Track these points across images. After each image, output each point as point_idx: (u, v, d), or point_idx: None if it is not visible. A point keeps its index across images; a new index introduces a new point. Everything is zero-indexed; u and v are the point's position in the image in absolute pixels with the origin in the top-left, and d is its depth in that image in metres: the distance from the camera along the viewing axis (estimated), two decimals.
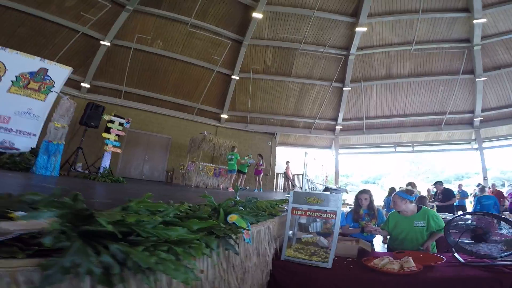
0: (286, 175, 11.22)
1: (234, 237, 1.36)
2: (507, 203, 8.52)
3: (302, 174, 10.95)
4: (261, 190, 9.00)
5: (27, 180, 3.60)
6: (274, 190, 12.34)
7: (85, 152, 7.48)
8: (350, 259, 2.34)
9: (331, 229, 2.82)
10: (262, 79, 12.85)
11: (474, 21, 10.60)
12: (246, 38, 11.64)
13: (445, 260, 2.16)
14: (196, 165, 8.43)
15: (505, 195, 8.81)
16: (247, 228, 1.53)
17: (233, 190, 8.14)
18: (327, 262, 2.10)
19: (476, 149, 12.89)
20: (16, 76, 6.14)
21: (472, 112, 12.64)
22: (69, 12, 9.67)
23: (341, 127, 13.73)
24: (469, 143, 13.54)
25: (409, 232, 2.70)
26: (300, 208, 2.17)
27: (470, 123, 12.88)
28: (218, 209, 1.51)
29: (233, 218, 1.54)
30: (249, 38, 11.64)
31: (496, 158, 12.65)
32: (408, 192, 2.74)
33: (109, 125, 6.83)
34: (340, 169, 13.80)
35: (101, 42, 10.42)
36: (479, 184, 10.57)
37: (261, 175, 9.42)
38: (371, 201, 3.09)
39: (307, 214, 2.16)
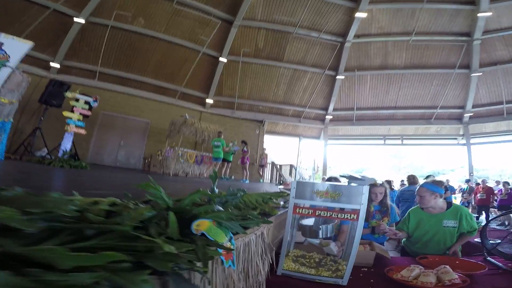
0: (262, 164, 10.43)
1: (199, 266, 0.68)
2: (496, 200, 8.39)
3: (291, 165, 10.38)
4: (247, 181, 8.36)
5: None
6: (262, 180, 11.76)
7: (47, 135, 6.53)
8: (365, 269, 1.78)
9: (337, 228, 2.23)
10: (252, 63, 12.02)
11: (479, 15, 10.23)
12: (237, 18, 10.74)
13: (487, 268, 1.70)
14: (175, 151, 7.62)
15: (495, 191, 8.66)
16: (228, 247, 0.86)
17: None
18: (341, 278, 1.50)
19: (464, 144, 12.86)
20: None
21: (463, 107, 12.53)
22: None
23: (331, 117, 13.25)
24: (455, 139, 13.52)
25: (436, 234, 2.18)
26: (305, 205, 1.53)
27: (459, 119, 12.79)
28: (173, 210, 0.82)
29: (202, 226, 0.87)
30: (240, 18, 10.76)
31: (474, 155, 12.78)
32: (438, 184, 2.17)
33: (73, 103, 5.90)
34: (328, 160, 13.41)
35: (75, 19, 9.26)
36: (468, 180, 10.50)
37: (247, 164, 8.76)
38: (385, 196, 2.51)
39: (316, 213, 1.51)
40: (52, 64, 9.62)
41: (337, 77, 12.41)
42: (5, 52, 5.37)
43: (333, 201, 1.45)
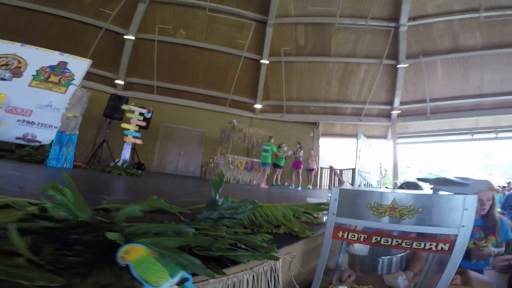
0: (310, 168, 8.94)
1: None
2: None
3: (354, 169, 9.21)
4: (300, 188, 7.70)
5: (19, 172, 3.03)
6: (318, 187, 10.89)
7: (116, 146, 7.18)
8: None
9: (411, 253, 1.51)
10: (295, 62, 11.36)
11: None
12: (270, 17, 10.38)
13: None
14: (225, 158, 7.52)
15: None
16: None
17: (266, 187, 7.04)
18: None
19: None
20: (36, 71, 6.12)
21: None
22: (90, 9, 9.64)
23: (399, 112, 11.50)
24: None
25: None
26: (356, 227, 0.95)
27: None
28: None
29: (133, 254, 0.48)
30: (273, 16, 10.37)
31: None
32: None
33: (128, 115, 6.34)
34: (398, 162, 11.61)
35: (125, 37, 10.21)
36: None
37: (301, 169, 8.08)
38: (493, 205, 1.67)
39: (372, 240, 0.92)
40: (117, 81, 10.73)
41: (399, 66, 10.77)
42: (70, 71, 6.12)
43: (406, 221, 0.84)
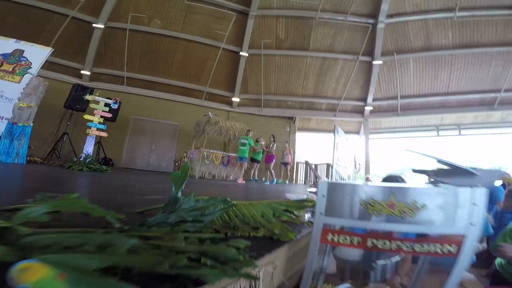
0: (284, 162, 8.67)
1: None
2: None
3: (328, 164, 9.25)
4: (274, 182, 7.61)
5: None
6: (294, 182, 10.93)
7: (79, 140, 6.57)
8: None
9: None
10: (275, 55, 11.27)
11: None
12: (252, 8, 10.17)
13: None
14: (199, 152, 7.21)
15: None
16: None
17: (243, 182, 6.87)
18: None
19: None
20: None
21: None
22: None
23: (371, 108, 11.86)
24: None
25: None
26: (345, 229, 0.80)
27: None
28: None
29: (32, 274, 0.24)
30: (255, 8, 10.18)
31: None
32: None
33: (93, 106, 5.80)
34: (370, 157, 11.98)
35: (94, 25, 9.48)
36: None
37: (272, 163, 7.87)
38: None
39: (367, 244, 0.77)
40: (83, 72, 9.97)
41: (374, 62, 11.06)
42: (27, 59, 5.49)
43: (407, 220, 0.71)
